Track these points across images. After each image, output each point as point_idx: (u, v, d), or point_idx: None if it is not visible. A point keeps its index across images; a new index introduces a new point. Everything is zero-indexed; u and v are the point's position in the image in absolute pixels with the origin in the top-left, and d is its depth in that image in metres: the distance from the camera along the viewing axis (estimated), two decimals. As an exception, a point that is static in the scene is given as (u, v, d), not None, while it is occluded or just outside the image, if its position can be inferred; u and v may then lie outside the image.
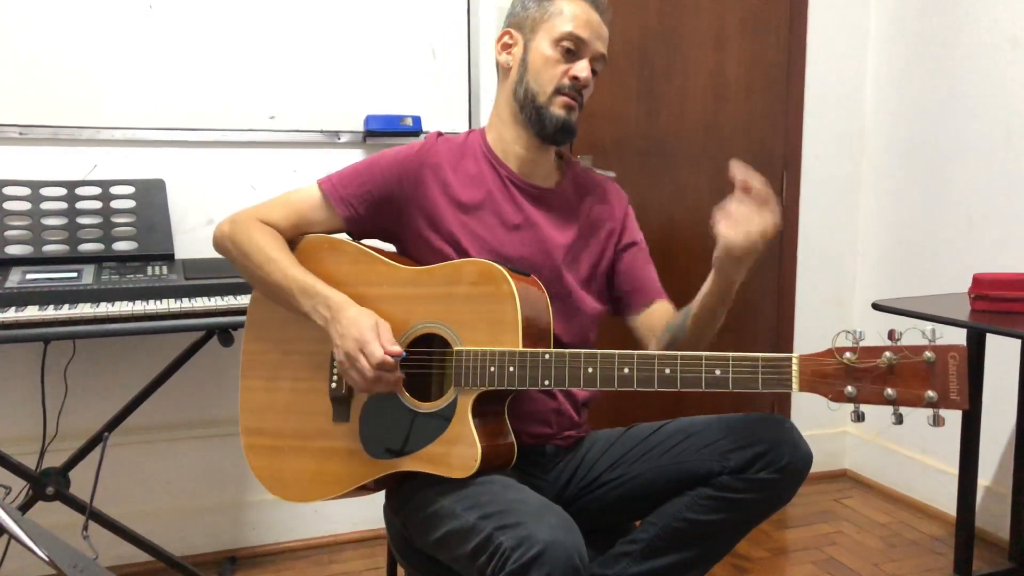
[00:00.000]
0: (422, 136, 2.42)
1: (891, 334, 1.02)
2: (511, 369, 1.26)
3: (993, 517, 2.54)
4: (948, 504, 2.57)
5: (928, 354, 0.99)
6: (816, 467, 1.32)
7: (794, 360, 1.08)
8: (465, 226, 1.41)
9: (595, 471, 1.43)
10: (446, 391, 1.31)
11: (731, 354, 1.14)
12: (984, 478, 2.52)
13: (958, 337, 2.09)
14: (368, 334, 1.27)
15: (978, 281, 1.93)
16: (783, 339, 3.02)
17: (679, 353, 1.18)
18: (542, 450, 1.45)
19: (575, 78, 1.39)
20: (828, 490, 2.98)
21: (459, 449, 1.27)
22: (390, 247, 1.51)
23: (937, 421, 1.01)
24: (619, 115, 2.76)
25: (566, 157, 1.56)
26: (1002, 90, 2.51)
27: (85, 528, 1.98)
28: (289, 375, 1.44)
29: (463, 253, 1.40)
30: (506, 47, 1.47)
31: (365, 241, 1.48)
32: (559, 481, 1.45)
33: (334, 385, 1.38)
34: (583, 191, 1.53)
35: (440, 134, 1.50)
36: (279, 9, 2.37)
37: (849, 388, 1.03)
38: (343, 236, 1.47)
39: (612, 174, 2.70)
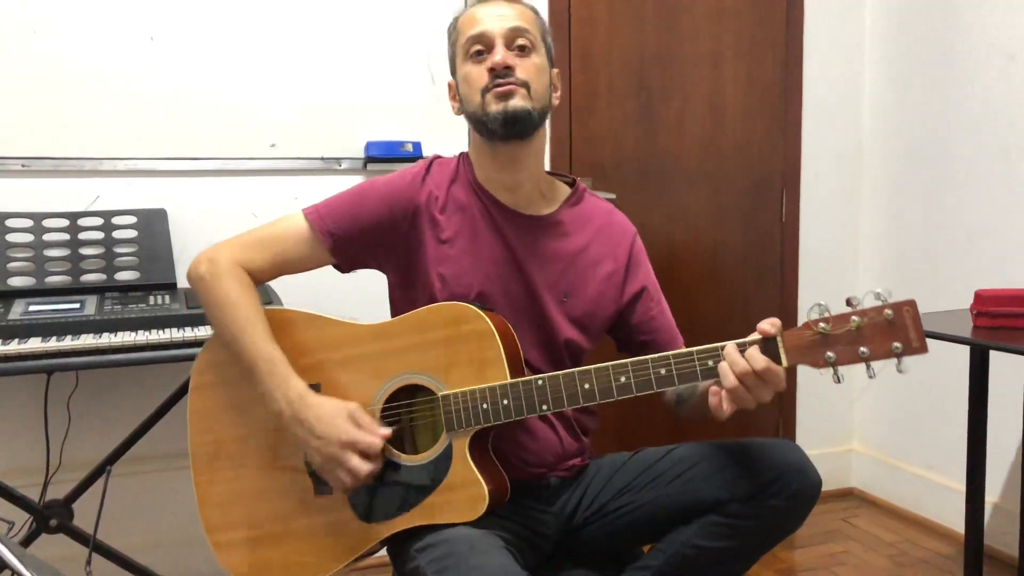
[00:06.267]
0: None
1: (849, 301, 1.14)
2: (505, 402, 1.24)
3: (1002, 534, 2.52)
4: (956, 521, 2.55)
5: (888, 312, 1.11)
6: (823, 486, 1.31)
7: (779, 338, 1.16)
8: (449, 259, 1.39)
9: (601, 498, 1.41)
10: (438, 438, 1.28)
11: (720, 344, 1.19)
12: (992, 495, 2.50)
13: (961, 353, 2.09)
14: (353, 432, 1.25)
15: (980, 297, 1.93)
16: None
17: (670, 353, 1.21)
18: (546, 483, 1.42)
19: (491, 69, 1.35)
20: (835, 509, 2.97)
21: (464, 492, 1.24)
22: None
23: (901, 366, 1.12)
24: (618, 137, 2.78)
25: (576, 184, 1.51)
26: (999, 105, 2.52)
27: (88, 562, 1.97)
28: (253, 458, 1.37)
29: (447, 286, 1.38)
30: (453, 97, 1.47)
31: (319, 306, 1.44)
32: (565, 511, 1.43)
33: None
34: (582, 222, 1.47)
35: (437, 157, 1.48)
36: (278, 38, 2.39)
37: (829, 353, 1.14)
38: (290, 306, 1.42)
39: (612, 196, 2.71)
